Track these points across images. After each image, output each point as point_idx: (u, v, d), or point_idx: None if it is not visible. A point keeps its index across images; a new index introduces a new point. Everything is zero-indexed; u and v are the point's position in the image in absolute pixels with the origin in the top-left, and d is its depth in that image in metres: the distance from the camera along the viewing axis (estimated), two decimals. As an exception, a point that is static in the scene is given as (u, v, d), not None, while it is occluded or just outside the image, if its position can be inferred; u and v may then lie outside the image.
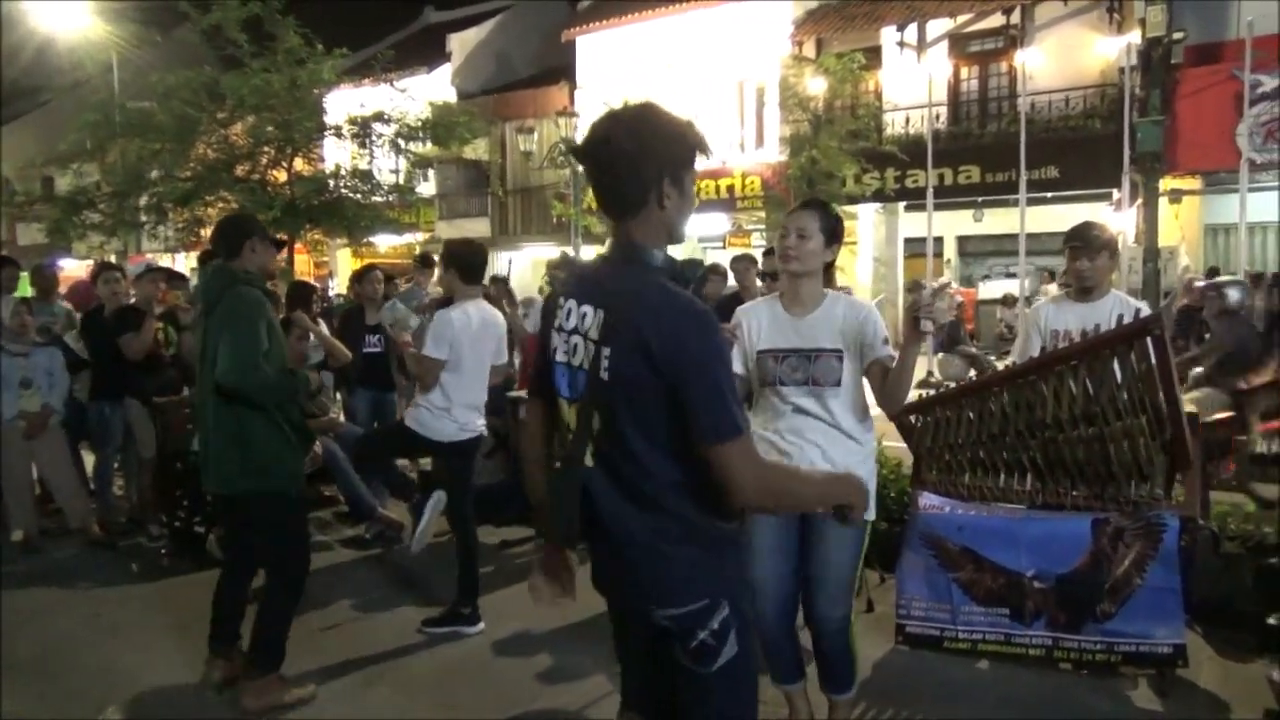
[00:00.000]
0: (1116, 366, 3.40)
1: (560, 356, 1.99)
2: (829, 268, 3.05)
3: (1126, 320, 3.52)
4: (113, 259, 12.70)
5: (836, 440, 2.93)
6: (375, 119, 10.67)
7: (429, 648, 4.13)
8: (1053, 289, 8.70)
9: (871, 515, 2.96)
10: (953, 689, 3.59)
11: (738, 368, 3.01)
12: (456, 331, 4.24)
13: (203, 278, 3.66)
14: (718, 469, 1.82)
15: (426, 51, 23.36)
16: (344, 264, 24.10)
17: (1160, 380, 3.35)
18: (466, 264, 4.32)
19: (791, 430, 2.94)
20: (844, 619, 2.98)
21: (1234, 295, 6.35)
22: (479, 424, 4.41)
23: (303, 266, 20.57)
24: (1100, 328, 3.58)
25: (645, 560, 1.92)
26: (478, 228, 23.36)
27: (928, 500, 3.90)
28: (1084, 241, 3.80)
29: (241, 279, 3.50)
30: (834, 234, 2.98)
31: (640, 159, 1.87)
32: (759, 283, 6.65)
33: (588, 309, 1.93)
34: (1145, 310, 3.82)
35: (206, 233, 11.00)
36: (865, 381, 2.98)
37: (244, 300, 3.41)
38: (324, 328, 7.12)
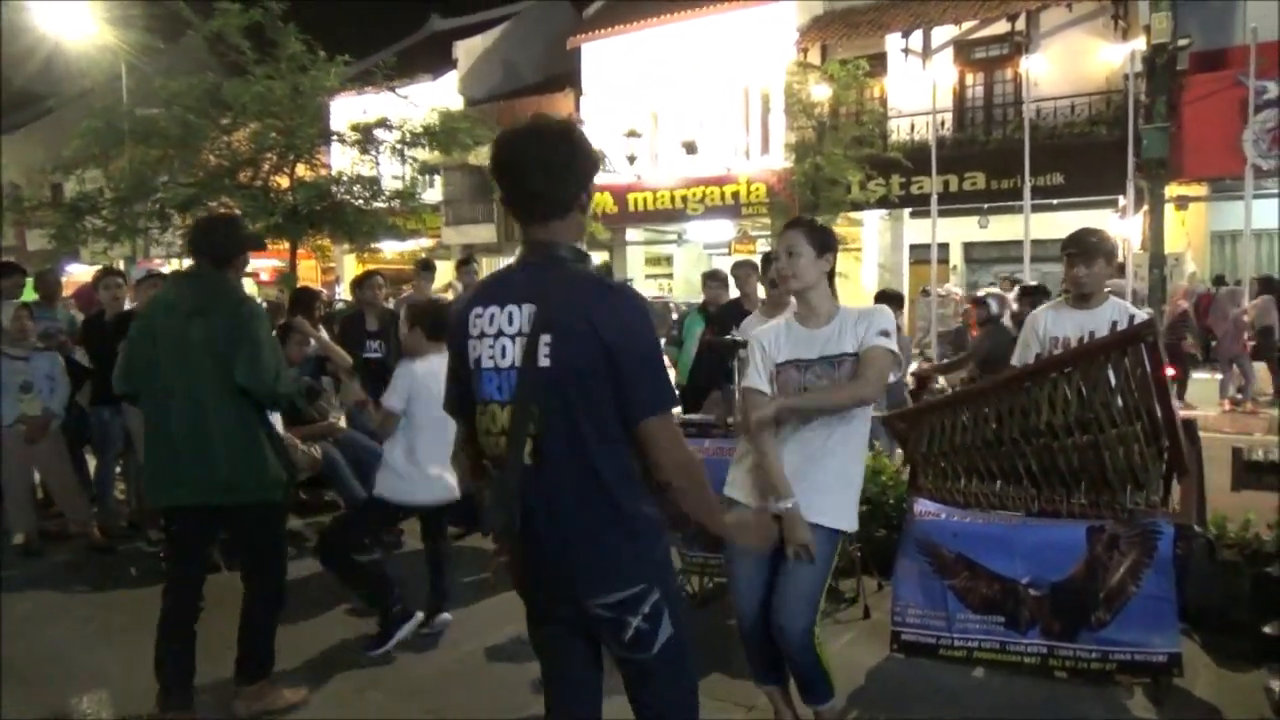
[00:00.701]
0: (1111, 373, 3.40)
1: (486, 363, 2.01)
2: (831, 277, 3.08)
3: (1127, 326, 3.53)
4: (120, 264, 12.76)
5: (854, 442, 2.99)
6: (377, 125, 10.70)
7: (423, 653, 4.13)
8: (1011, 296, 8.94)
9: (853, 527, 3.02)
10: (947, 697, 3.57)
11: (761, 384, 3.03)
12: (418, 382, 4.10)
13: (190, 281, 3.56)
14: (645, 442, 1.93)
15: (433, 58, 23.49)
16: (350, 270, 24.21)
17: (1155, 387, 3.35)
18: (433, 323, 4.20)
19: (814, 434, 2.95)
20: (805, 632, 2.94)
21: (993, 306, 7.25)
22: (449, 483, 4.27)
23: (308, 273, 20.62)
24: (1100, 334, 3.58)
25: (580, 552, 1.99)
26: (483, 234, 23.43)
27: (923, 506, 3.89)
28: (1081, 248, 3.80)
29: (237, 288, 3.51)
30: (824, 245, 3.01)
31: (574, 165, 2.02)
32: (760, 288, 6.63)
33: (511, 309, 1.98)
34: (1143, 316, 3.84)
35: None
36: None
37: (256, 310, 3.47)
38: (324, 333, 7.16)
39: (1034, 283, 8.54)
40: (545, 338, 1.91)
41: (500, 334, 1.99)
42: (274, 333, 3.54)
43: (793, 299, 3.17)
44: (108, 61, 13.57)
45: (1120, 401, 3.39)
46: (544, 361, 1.91)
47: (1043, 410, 3.52)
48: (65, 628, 4.48)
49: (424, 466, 4.15)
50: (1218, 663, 3.72)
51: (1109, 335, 3.35)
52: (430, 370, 4.08)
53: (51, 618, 4.63)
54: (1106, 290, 3.90)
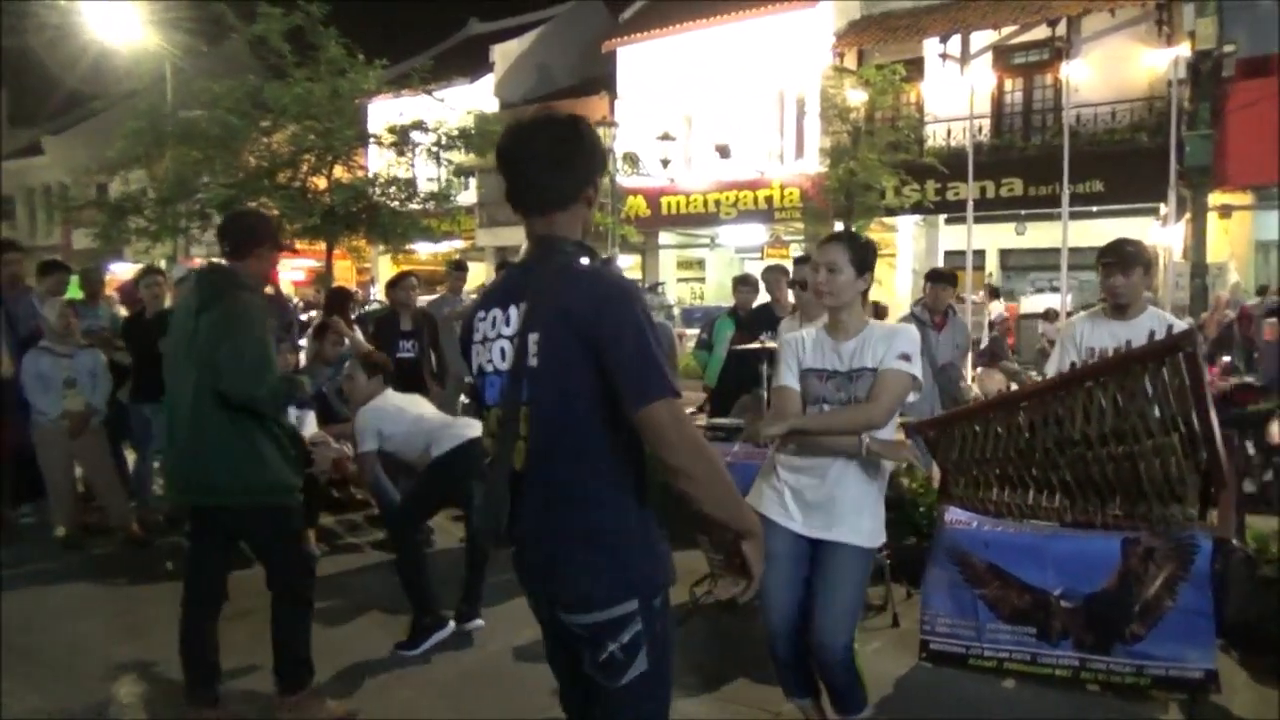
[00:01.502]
0: (1148, 383, 3.34)
1: (487, 367, 1.98)
2: (865, 293, 3.10)
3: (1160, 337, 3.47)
4: (162, 263, 13.01)
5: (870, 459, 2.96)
6: (414, 128, 10.81)
7: (451, 653, 4.16)
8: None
9: (882, 540, 3.02)
10: (977, 708, 3.53)
11: (792, 382, 3.07)
12: (385, 415, 4.72)
13: (203, 277, 3.47)
14: (649, 430, 1.80)
15: (470, 62, 23.66)
16: (384, 271, 24.43)
17: (1193, 398, 3.29)
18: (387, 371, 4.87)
19: (832, 444, 2.96)
20: (846, 648, 2.93)
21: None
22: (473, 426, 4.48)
23: (344, 273, 20.85)
24: (1135, 345, 3.50)
25: (562, 566, 1.91)
26: (516, 236, 23.43)
27: (954, 515, 3.85)
28: (1119, 257, 3.74)
29: (244, 284, 3.36)
30: (865, 263, 3.00)
31: (582, 157, 1.97)
32: (790, 292, 6.61)
33: (511, 309, 1.94)
34: (1179, 327, 3.74)
35: None
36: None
37: (250, 307, 3.30)
38: (359, 333, 7.24)
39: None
40: (533, 336, 1.86)
41: (499, 336, 1.96)
42: (266, 333, 3.36)
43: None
44: (153, 64, 13.84)
45: (1157, 412, 3.34)
46: (532, 361, 1.86)
47: (1077, 420, 3.47)
48: (103, 618, 4.57)
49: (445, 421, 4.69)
50: (1256, 680, 3.65)
51: (1147, 345, 3.30)
52: (383, 400, 4.82)
53: (91, 609, 4.72)
54: (1145, 300, 3.84)
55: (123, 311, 7.69)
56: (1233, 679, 3.58)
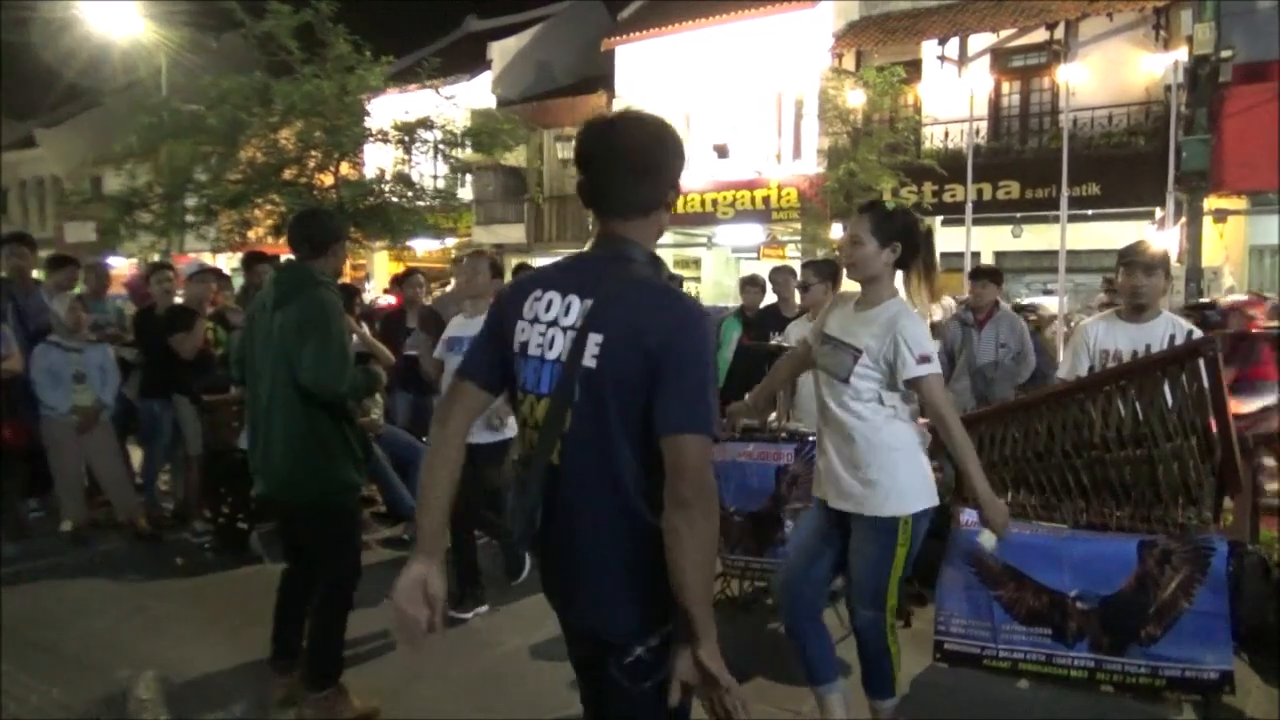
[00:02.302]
0: (1167, 388, 3.38)
1: (533, 350, 1.90)
2: (905, 265, 3.05)
3: (1179, 342, 3.51)
4: (156, 258, 12.96)
5: (846, 419, 3.01)
6: (421, 125, 10.81)
7: (467, 650, 4.18)
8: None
9: (908, 510, 3.00)
10: (991, 708, 3.56)
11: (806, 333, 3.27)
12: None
13: (280, 274, 3.52)
14: (675, 456, 1.73)
15: (468, 59, 23.61)
16: (380, 267, 24.38)
17: (1212, 402, 3.33)
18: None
19: (819, 409, 3.15)
20: (873, 618, 3.03)
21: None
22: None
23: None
24: (1152, 349, 3.53)
25: (600, 571, 1.86)
26: (513, 234, 23.52)
27: (969, 516, 3.87)
28: (1144, 258, 3.78)
29: (321, 280, 3.40)
30: (889, 235, 2.98)
31: (668, 164, 1.92)
32: (798, 294, 6.65)
33: (572, 299, 1.87)
34: (1197, 333, 3.78)
35: (253, 234, 11.24)
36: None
37: (328, 304, 3.33)
38: (366, 330, 7.25)
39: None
40: (595, 337, 1.81)
41: (555, 323, 1.88)
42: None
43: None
44: (152, 58, 13.80)
45: (1176, 416, 3.37)
46: (589, 362, 1.81)
47: (1096, 423, 3.50)
48: (112, 615, 4.57)
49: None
50: (1268, 682, 3.69)
51: (1168, 349, 3.33)
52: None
53: (99, 605, 4.72)
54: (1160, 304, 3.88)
55: (129, 307, 7.66)
56: (1245, 681, 3.62)
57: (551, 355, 1.87)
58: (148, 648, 4.15)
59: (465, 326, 4.69)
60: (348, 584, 3.51)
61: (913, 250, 3.05)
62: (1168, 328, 3.68)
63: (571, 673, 3.77)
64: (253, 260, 6.79)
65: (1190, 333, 3.53)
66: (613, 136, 1.90)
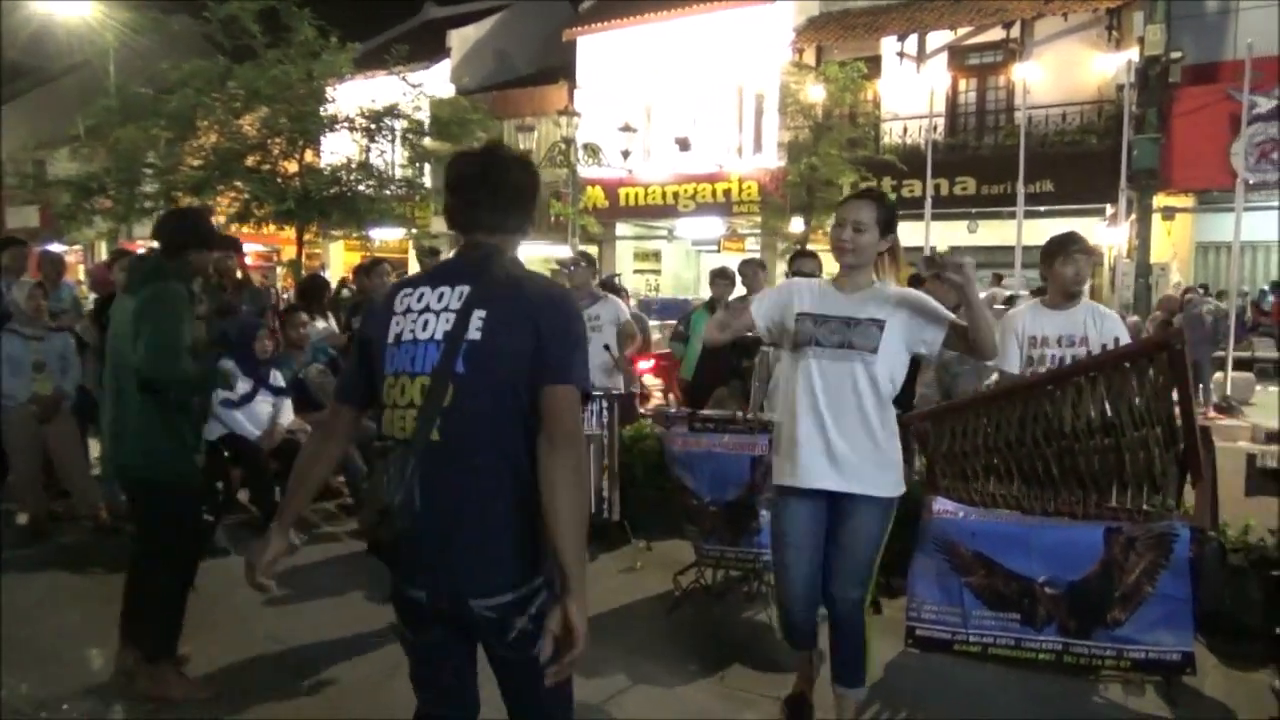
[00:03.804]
0: (1135, 378, 3.48)
1: (405, 336, 1.99)
2: (894, 254, 3.12)
3: (1101, 327, 3.80)
4: (103, 246, 12.67)
5: (865, 397, 3.00)
6: (388, 113, 10.69)
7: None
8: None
9: (903, 490, 3.13)
10: (965, 692, 3.65)
11: (757, 317, 3.15)
12: None
13: (134, 265, 3.72)
14: (552, 405, 1.90)
15: (426, 47, 23.35)
16: (337, 256, 24.06)
17: (1177, 393, 3.44)
18: None
19: (822, 390, 3.02)
20: (858, 604, 3.07)
21: None
22: None
23: (290, 256, 20.56)
24: (1076, 335, 3.82)
25: (474, 544, 1.93)
26: (473, 224, 23.36)
27: (941, 505, 3.95)
28: (1085, 246, 3.97)
29: (170, 273, 3.51)
30: (889, 224, 3.04)
31: (531, 196, 2.14)
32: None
33: (445, 289, 2.00)
34: (1117, 318, 4.03)
35: (216, 220, 11.05)
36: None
37: (170, 294, 3.43)
38: (332, 320, 7.19)
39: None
40: (479, 312, 1.93)
41: (426, 309, 1.98)
42: (189, 318, 3.54)
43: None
44: (99, 39, 13.46)
45: (1143, 407, 3.48)
46: (474, 335, 1.92)
47: (1066, 414, 3.60)
48: (86, 609, 4.47)
49: None
50: (1225, 663, 3.83)
51: (1138, 342, 3.44)
52: None
53: (59, 599, 4.62)
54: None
55: (84, 291, 7.49)
56: (1204, 662, 3.74)
57: (425, 335, 1.96)
58: (110, 640, 4.05)
59: None
60: (182, 561, 3.63)
61: (895, 241, 3.13)
62: (1088, 313, 3.90)
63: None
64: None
65: (1108, 317, 3.87)
66: (491, 169, 2.09)
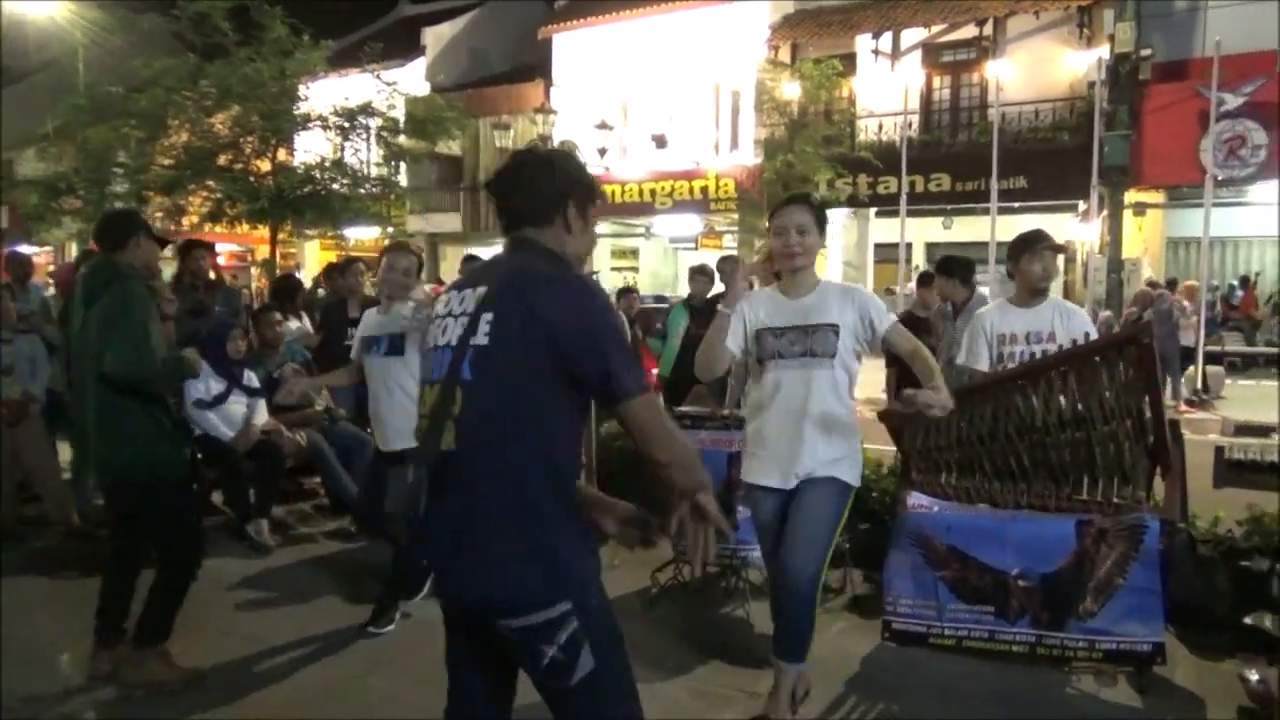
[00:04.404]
0: (1105, 373, 3.53)
1: (436, 342, 2.00)
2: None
3: (1069, 323, 3.83)
4: (75, 246, 12.50)
5: (829, 399, 3.15)
6: (361, 111, 10.63)
7: (425, 638, 4.13)
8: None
9: (855, 483, 3.25)
10: (939, 685, 3.68)
11: (733, 346, 3.27)
12: None
13: (87, 272, 3.72)
14: (630, 422, 1.87)
15: (401, 45, 23.22)
16: (311, 255, 23.89)
17: (1146, 386, 3.48)
18: None
19: (787, 394, 3.19)
20: (811, 580, 3.13)
21: None
22: None
23: (263, 255, 20.40)
24: (1044, 331, 3.87)
25: (487, 558, 1.87)
26: (449, 222, 23.28)
27: (916, 500, 3.99)
28: (1053, 243, 4.02)
29: (126, 274, 3.56)
30: (823, 224, 3.24)
31: (550, 177, 2.07)
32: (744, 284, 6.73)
33: (469, 291, 1.99)
34: (1083, 314, 4.11)
35: (187, 221, 10.95)
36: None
37: (132, 295, 3.49)
38: (306, 320, 7.14)
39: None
40: (487, 315, 1.89)
41: (450, 314, 1.99)
42: (154, 318, 3.59)
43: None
44: (70, 37, 13.29)
45: (1113, 400, 3.53)
46: (481, 340, 1.87)
47: (1038, 407, 3.64)
48: (58, 614, 4.41)
49: None
50: (1195, 653, 3.88)
51: (1108, 336, 3.49)
52: None
53: (42, 605, 4.57)
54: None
55: (50, 292, 7.40)
56: (1174, 652, 3.79)
57: (444, 341, 1.96)
58: (84, 644, 4.02)
59: (382, 325, 4.28)
60: (187, 558, 3.71)
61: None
62: (1055, 310, 3.97)
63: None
64: (188, 248, 6.61)
65: (1075, 314, 3.95)
66: (513, 158, 2.13)
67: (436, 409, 1.90)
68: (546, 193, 2.06)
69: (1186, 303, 12.41)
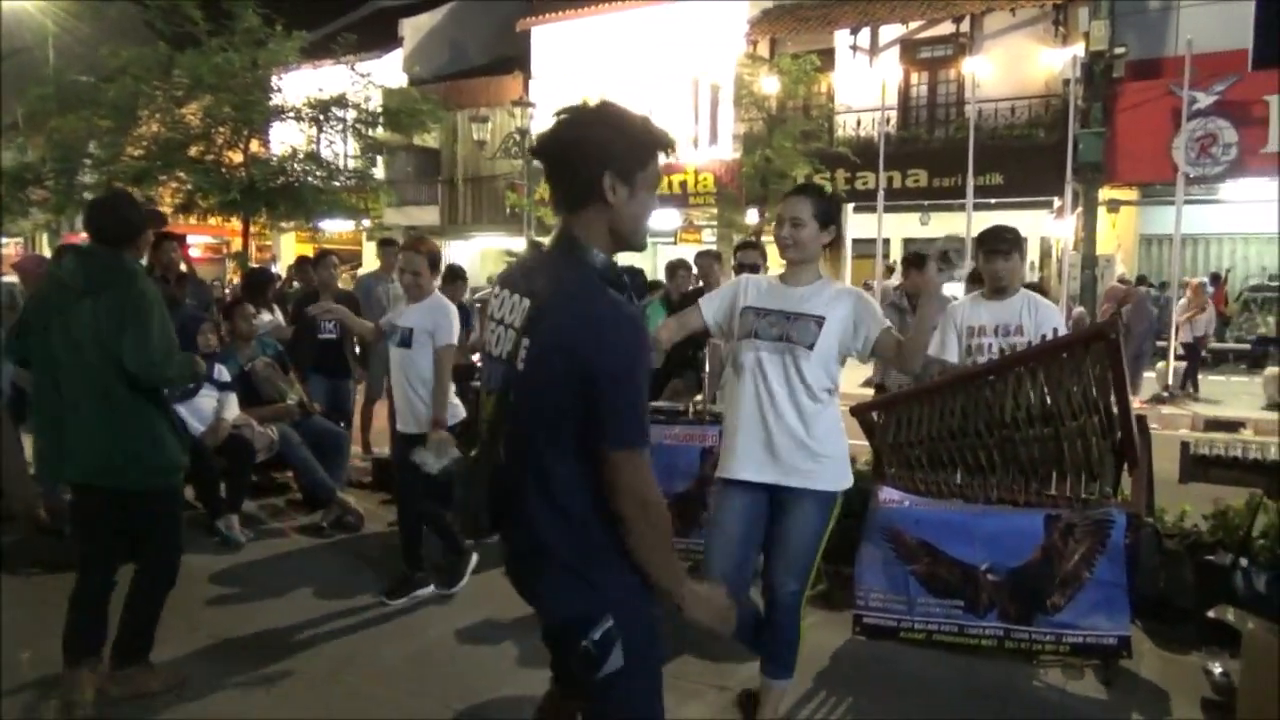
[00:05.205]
0: (1073, 368, 3.55)
1: (490, 349, 1.99)
2: (836, 246, 3.18)
3: (1037, 317, 3.87)
4: (45, 239, 12.33)
5: (798, 391, 3.00)
6: (336, 103, 10.53)
7: (395, 635, 4.14)
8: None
9: (848, 484, 3.12)
10: (909, 678, 3.70)
11: (707, 316, 3.21)
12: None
13: (84, 259, 3.42)
14: (611, 471, 1.80)
15: (378, 36, 23.04)
16: (287, 248, 23.70)
17: (1113, 383, 3.51)
18: None
19: (761, 381, 3.05)
20: (795, 594, 3.06)
21: None
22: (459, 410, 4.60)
23: (237, 247, 20.21)
24: (1012, 324, 3.92)
25: (534, 561, 1.94)
26: (427, 216, 23.14)
27: (887, 494, 4.01)
28: (1001, 244, 4.05)
29: (136, 269, 3.44)
30: (827, 217, 3.05)
31: (580, 151, 1.84)
32: (723, 279, 6.74)
33: (515, 298, 1.94)
34: (1052, 308, 4.14)
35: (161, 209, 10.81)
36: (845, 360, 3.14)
37: (150, 292, 3.37)
38: (279, 313, 7.08)
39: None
40: (525, 341, 1.85)
41: (501, 321, 1.96)
42: (169, 314, 3.47)
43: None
44: (39, 25, 13.08)
45: (1081, 396, 3.55)
46: (520, 364, 1.86)
47: (1007, 403, 3.66)
48: (27, 611, 4.34)
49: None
50: (1161, 646, 3.92)
51: (1074, 332, 3.51)
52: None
53: (8, 601, 4.49)
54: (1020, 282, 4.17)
55: (12, 278, 7.26)
56: (1140, 646, 3.83)
57: (497, 352, 1.96)
58: (51, 644, 3.96)
59: (405, 315, 4.52)
60: (175, 564, 3.59)
61: (837, 233, 3.16)
62: (1024, 303, 4.01)
63: (503, 654, 3.81)
64: (159, 240, 6.52)
65: (1039, 307, 3.97)
66: (550, 128, 1.90)
67: (492, 422, 1.94)
68: (581, 175, 1.84)
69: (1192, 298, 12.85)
